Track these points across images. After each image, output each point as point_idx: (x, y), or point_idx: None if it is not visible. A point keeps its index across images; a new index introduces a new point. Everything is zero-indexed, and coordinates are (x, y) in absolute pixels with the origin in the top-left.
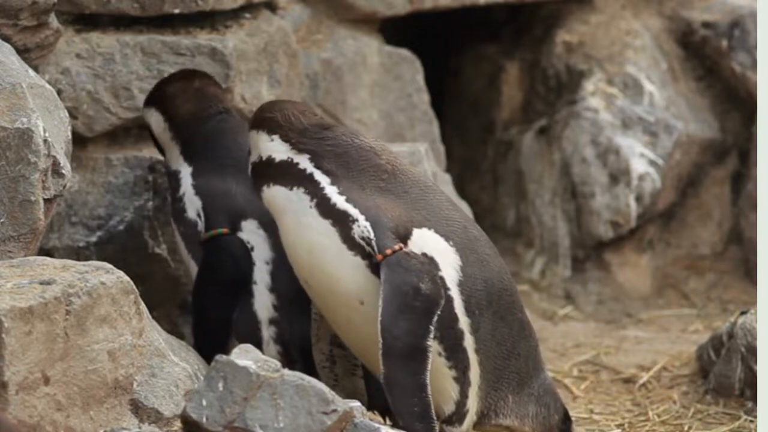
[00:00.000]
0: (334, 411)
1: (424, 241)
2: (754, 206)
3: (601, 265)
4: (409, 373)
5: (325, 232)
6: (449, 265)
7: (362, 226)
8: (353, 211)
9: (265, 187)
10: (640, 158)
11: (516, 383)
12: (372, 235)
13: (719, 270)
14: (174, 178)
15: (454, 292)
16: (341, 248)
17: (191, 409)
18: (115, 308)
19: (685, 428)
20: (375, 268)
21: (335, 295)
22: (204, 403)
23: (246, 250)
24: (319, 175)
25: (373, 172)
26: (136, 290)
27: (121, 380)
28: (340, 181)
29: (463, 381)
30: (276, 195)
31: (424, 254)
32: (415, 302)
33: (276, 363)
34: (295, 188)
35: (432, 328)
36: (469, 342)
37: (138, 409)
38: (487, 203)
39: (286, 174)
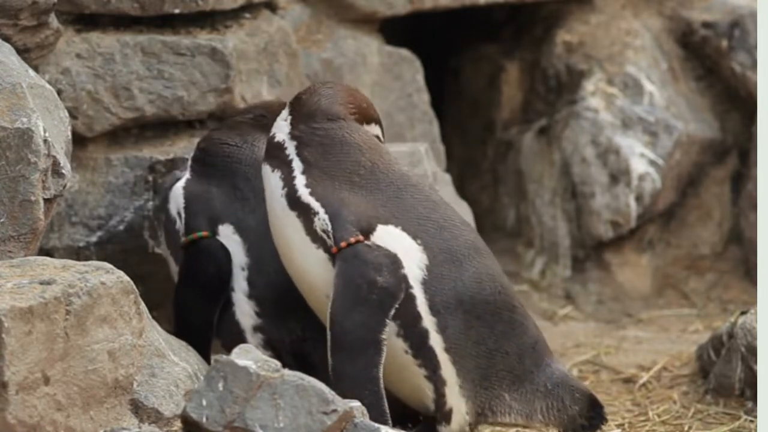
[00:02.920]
0: (334, 411)
1: (389, 237)
2: (754, 206)
3: (601, 265)
4: (359, 367)
5: (291, 224)
6: (413, 263)
7: (322, 219)
8: (315, 204)
9: (263, 163)
10: (640, 158)
11: (510, 381)
12: (330, 227)
13: (719, 270)
14: (182, 163)
15: (417, 291)
16: (305, 240)
17: (191, 409)
18: (115, 308)
19: (685, 428)
20: (335, 261)
21: (305, 287)
22: (204, 403)
23: (226, 253)
24: (296, 163)
25: (350, 167)
26: (136, 290)
27: (121, 380)
28: (311, 171)
29: (435, 379)
30: (264, 173)
31: (387, 249)
32: (371, 295)
33: (276, 363)
34: (276, 170)
35: (387, 321)
36: (436, 341)
37: (138, 409)
38: (487, 203)
39: (276, 155)
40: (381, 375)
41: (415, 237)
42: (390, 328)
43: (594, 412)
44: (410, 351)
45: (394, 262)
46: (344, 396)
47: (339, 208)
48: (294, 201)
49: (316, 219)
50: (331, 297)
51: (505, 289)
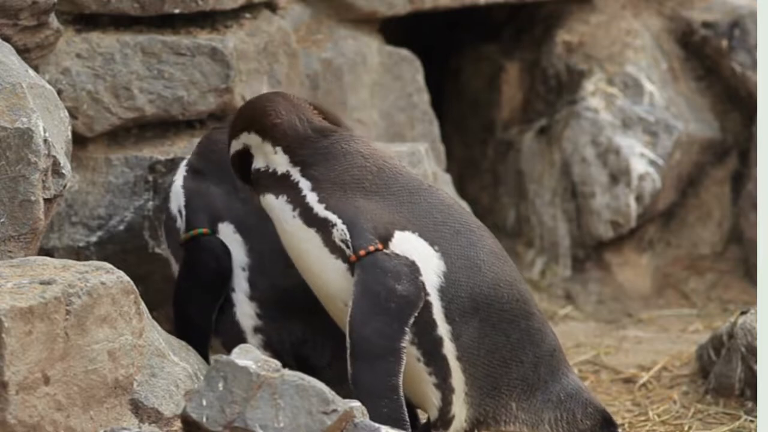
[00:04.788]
0: (334, 411)
1: (406, 243)
2: (754, 206)
3: (601, 265)
4: (378, 375)
5: (309, 239)
6: (431, 270)
7: (340, 229)
8: (332, 217)
9: (261, 196)
10: (640, 158)
11: (521, 390)
12: (348, 237)
13: (719, 270)
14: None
15: (434, 298)
16: (323, 251)
17: (191, 409)
18: (115, 308)
19: (685, 428)
20: (354, 269)
21: (324, 296)
22: (204, 403)
23: (226, 249)
24: (303, 183)
25: (357, 174)
26: (136, 290)
27: (121, 380)
28: (321, 185)
29: (444, 387)
30: (268, 203)
31: (405, 257)
32: (390, 303)
33: (276, 363)
34: (280, 196)
35: (407, 330)
36: (449, 349)
37: (138, 409)
38: (487, 203)
39: (279, 183)
40: (401, 383)
41: (432, 243)
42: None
43: (608, 430)
44: (422, 359)
45: (413, 271)
46: (363, 405)
47: (356, 216)
48: (311, 218)
49: (334, 230)
50: (350, 305)
51: (523, 296)
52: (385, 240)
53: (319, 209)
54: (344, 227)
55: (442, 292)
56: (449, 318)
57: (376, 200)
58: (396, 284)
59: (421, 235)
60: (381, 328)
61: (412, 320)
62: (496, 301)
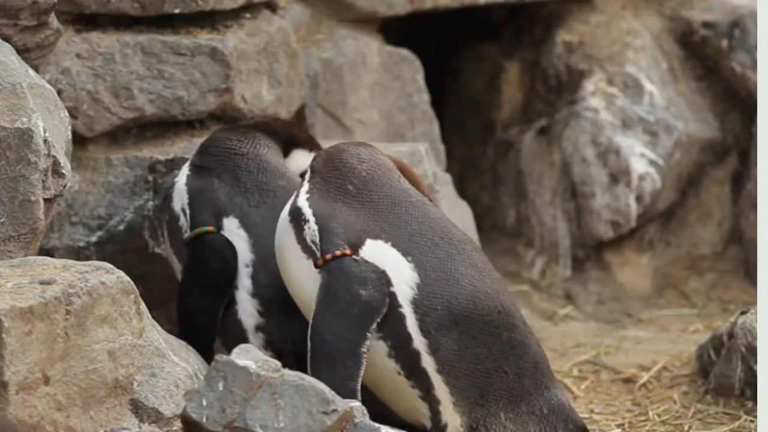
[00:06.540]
0: (334, 411)
1: (377, 253)
2: (754, 206)
3: (601, 265)
4: (338, 379)
5: (286, 231)
6: (403, 281)
7: (311, 229)
8: (307, 211)
9: None
10: (640, 158)
11: (506, 401)
12: (318, 239)
13: (719, 270)
14: (182, 163)
15: (407, 310)
16: (296, 248)
17: (191, 409)
18: (115, 308)
19: (685, 428)
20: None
21: (300, 300)
22: (204, 403)
23: (231, 248)
24: (308, 173)
25: (345, 176)
26: (136, 290)
27: (121, 380)
28: (314, 179)
29: (429, 399)
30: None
31: (375, 265)
32: (353, 308)
33: (276, 363)
34: (302, 184)
35: (368, 335)
36: (428, 362)
37: (138, 409)
38: (487, 203)
39: (303, 174)
40: (359, 388)
41: (405, 254)
42: (381, 349)
43: None
44: (403, 372)
45: (380, 278)
46: None
47: (329, 219)
48: (292, 206)
49: (306, 227)
50: (314, 308)
51: (506, 308)
52: (356, 246)
53: (302, 198)
54: (316, 227)
55: (416, 304)
56: (425, 331)
57: (354, 206)
58: (360, 289)
59: (394, 245)
60: (342, 332)
61: (374, 325)
62: (476, 314)
